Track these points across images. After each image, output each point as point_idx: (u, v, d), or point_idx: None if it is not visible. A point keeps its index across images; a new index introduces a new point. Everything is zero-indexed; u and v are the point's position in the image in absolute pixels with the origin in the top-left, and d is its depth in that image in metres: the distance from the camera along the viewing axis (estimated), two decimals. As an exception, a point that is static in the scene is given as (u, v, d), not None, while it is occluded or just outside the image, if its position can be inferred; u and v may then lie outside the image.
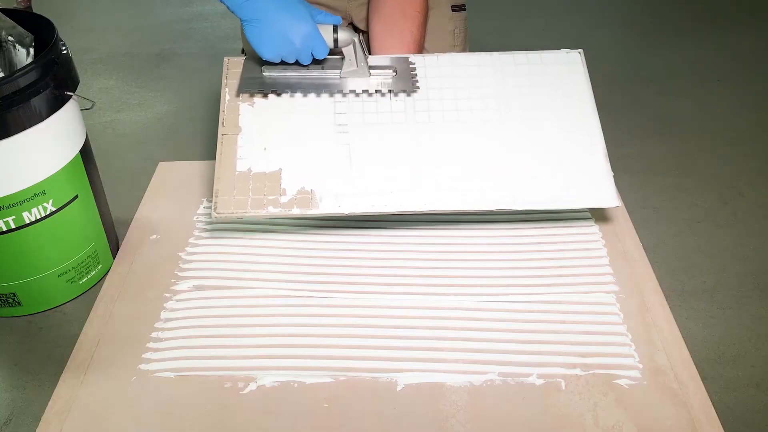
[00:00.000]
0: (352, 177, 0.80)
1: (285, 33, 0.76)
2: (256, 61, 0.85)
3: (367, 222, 0.89)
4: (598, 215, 0.89)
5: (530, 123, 0.83)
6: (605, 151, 0.81)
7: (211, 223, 0.90)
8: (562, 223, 0.88)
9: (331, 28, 0.78)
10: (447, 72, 0.87)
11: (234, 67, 0.87)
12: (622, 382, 0.68)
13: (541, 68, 0.87)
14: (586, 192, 0.78)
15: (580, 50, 0.87)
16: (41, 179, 0.74)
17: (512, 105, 0.84)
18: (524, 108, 0.84)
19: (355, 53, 0.81)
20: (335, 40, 0.79)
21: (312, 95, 0.85)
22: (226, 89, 0.85)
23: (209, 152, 0.86)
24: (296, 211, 0.78)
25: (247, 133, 0.82)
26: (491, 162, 0.80)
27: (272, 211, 0.78)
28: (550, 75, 0.86)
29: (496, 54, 0.88)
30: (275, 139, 0.82)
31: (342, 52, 0.82)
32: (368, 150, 0.82)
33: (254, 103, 0.85)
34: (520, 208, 0.78)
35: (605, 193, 0.78)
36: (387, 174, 0.80)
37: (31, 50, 0.77)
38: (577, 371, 0.69)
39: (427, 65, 0.88)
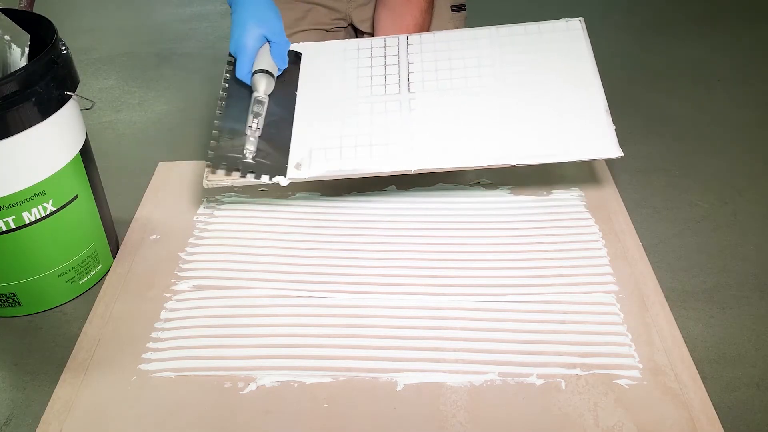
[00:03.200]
0: (342, 144, 0.80)
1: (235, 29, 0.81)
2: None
3: (366, 218, 0.89)
4: (599, 215, 0.89)
5: (527, 85, 0.83)
6: (606, 106, 0.80)
7: (211, 223, 0.90)
8: (562, 223, 0.88)
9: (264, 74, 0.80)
10: (443, 47, 0.88)
11: None
12: (622, 382, 0.68)
13: (539, 36, 0.87)
14: (586, 145, 0.78)
15: (581, 18, 0.88)
16: (41, 179, 0.74)
17: (509, 70, 0.84)
18: (521, 72, 0.84)
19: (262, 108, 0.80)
20: (253, 81, 0.80)
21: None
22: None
23: (206, 151, 0.86)
24: (289, 174, 0.80)
25: None
26: (486, 122, 0.81)
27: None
28: (548, 41, 0.86)
29: (493, 27, 0.89)
30: None
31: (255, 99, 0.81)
32: (360, 119, 0.83)
33: None
34: (515, 163, 0.78)
35: (606, 145, 0.77)
36: (377, 140, 0.80)
37: (26, 50, 0.77)
38: (577, 371, 0.69)
39: (423, 41, 0.89)
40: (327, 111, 0.85)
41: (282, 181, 0.80)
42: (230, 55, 0.83)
